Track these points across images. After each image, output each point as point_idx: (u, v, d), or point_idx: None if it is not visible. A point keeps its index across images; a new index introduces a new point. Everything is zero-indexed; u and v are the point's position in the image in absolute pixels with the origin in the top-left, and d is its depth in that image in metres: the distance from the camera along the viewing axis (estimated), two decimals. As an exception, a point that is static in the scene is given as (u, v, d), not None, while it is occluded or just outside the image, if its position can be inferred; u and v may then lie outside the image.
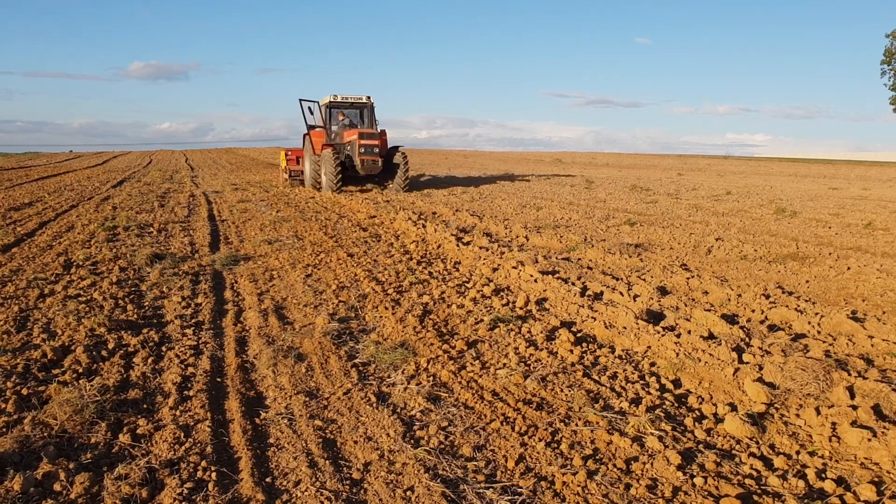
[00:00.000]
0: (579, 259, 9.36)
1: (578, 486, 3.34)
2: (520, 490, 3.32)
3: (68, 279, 7.47)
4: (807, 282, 8.00)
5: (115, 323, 5.81)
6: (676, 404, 4.35)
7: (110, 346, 5.28)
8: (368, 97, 21.03)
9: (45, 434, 3.76)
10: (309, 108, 21.13)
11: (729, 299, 6.87)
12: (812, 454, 3.69)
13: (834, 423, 3.93)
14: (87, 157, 55.50)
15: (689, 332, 5.56)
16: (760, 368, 4.71)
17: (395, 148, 20.84)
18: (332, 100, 20.62)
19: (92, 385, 4.42)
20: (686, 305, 6.51)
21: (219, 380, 4.74)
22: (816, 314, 6.18)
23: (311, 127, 21.10)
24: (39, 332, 5.52)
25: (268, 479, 3.40)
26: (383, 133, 20.51)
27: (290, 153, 23.00)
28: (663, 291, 7.24)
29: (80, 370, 4.74)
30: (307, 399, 4.40)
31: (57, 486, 3.25)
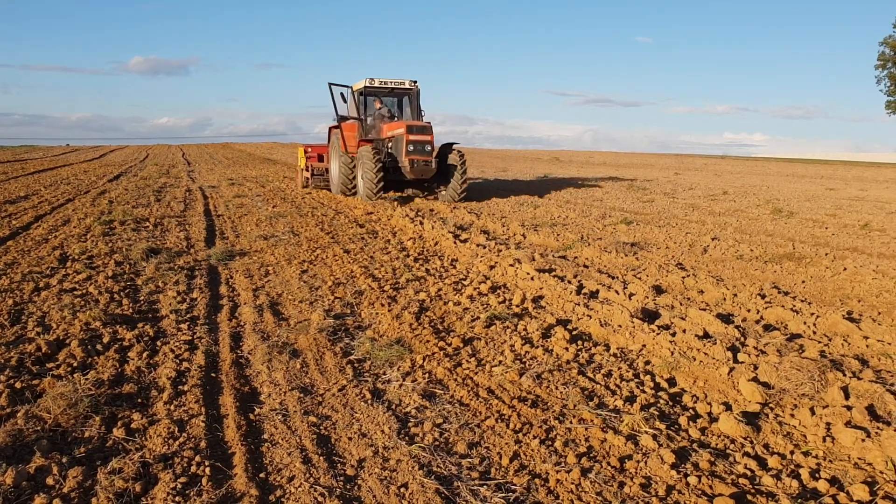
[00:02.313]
0: (576, 257, 9.36)
1: (572, 483, 3.34)
2: (514, 487, 3.32)
3: (64, 273, 7.46)
4: (803, 282, 8.01)
5: (110, 317, 5.80)
6: (671, 403, 4.35)
7: (105, 340, 5.26)
8: (414, 82, 16.86)
9: (39, 428, 3.75)
10: (342, 94, 16.89)
11: (724, 299, 6.87)
12: (806, 454, 3.69)
13: (828, 424, 3.93)
14: (83, 150, 55.38)
15: (684, 330, 5.57)
16: (755, 368, 4.72)
17: (449, 146, 16.79)
18: (367, 84, 16.52)
19: (86, 379, 4.40)
20: (681, 304, 6.52)
21: (213, 375, 4.74)
22: (812, 314, 6.19)
23: (341, 118, 16.97)
24: (34, 326, 5.50)
25: (262, 475, 3.40)
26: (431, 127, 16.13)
27: (309, 149, 19.29)
28: (659, 290, 7.25)
29: (75, 364, 4.73)
30: (302, 395, 4.40)
31: (50, 480, 3.24)
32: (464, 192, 16.21)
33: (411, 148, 15.44)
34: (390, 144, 16.34)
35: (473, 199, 17.55)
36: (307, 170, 19.03)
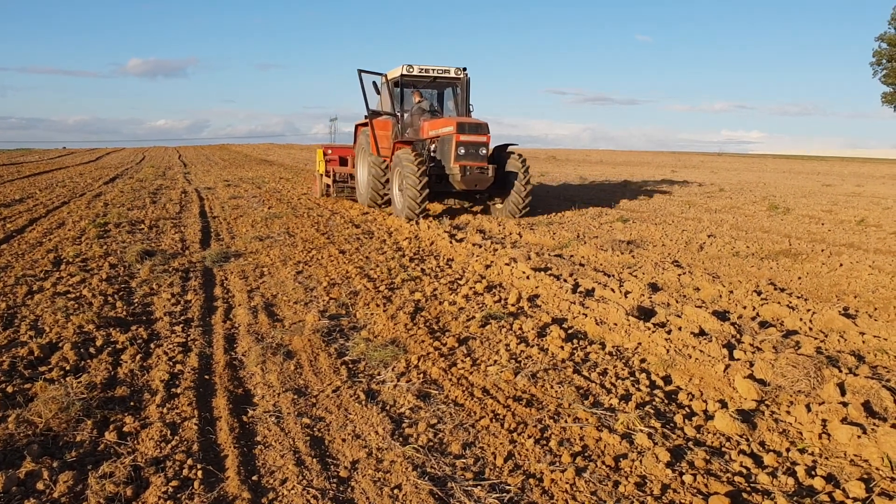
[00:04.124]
0: (571, 256, 9.34)
1: (567, 483, 3.32)
2: (508, 488, 3.30)
3: (57, 276, 7.42)
4: (799, 278, 8.00)
5: (103, 320, 5.76)
6: (666, 401, 4.33)
7: (98, 343, 5.23)
8: (463, 70, 13.83)
9: (30, 432, 3.72)
10: (374, 83, 14.12)
11: (720, 296, 6.86)
12: (802, 451, 3.68)
13: (824, 420, 3.91)
14: (80, 153, 55.27)
15: (679, 328, 5.55)
16: (751, 365, 4.70)
17: (505, 147, 13.75)
18: (405, 73, 13.44)
19: (79, 382, 4.37)
20: (677, 302, 6.50)
21: (207, 377, 4.71)
22: (808, 311, 6.17)
23: (373, 113, 14.05)
24: (27, 329, 5.47)
25: (254, 478, 3.37)
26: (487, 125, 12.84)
27: (329, 151, 16.66)
28: (654, 288, 7.23)
29: (68, 367, 4.69)
30: (295, 397, 4.37)
31: (40, 485, 3.21)
32: (527, 205, 13.22)
33: (462, 151, 12.40)
34: (433, 146, 13.49)
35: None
36: (328, 175, 16.39)
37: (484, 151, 12.61)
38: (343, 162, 16.44)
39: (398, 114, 14.11)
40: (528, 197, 13.11)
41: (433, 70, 13.60)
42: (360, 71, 13.76)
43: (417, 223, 11.83)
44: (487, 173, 12.45)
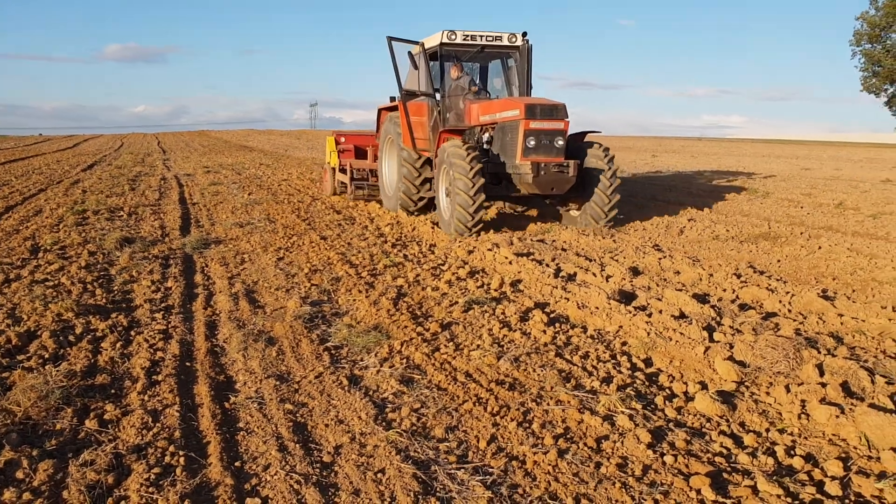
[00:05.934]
0: (554, 241, 9.36)
1: (549, 465, 3.34)
2: (491, 470, 3.31)
3: (35, 264, 7.33)
4: (778, 261, 8.07)
5: (83, 307, 5.70)
6: (647, 383, 4.37)
7: (78, 330, 5.18)
8: (522, 36, 10.62)
9: (8, 421, 3.68)
10: (410, 54, 11.08)
11: (700, 279, 6.91)
12: (781, 431, 3.72)
13: (803, 401, 3.96)
14: (57, 140, 54.48)
15: (660, 311, 5.59)
16: (731, 347, 4.74)
17: (583, 136, 10.52)
18: (446, 41, 10.36)
19: (58, 370, 4.33)
20: (658, 285, 6.54)
21: (188, 364, 4.68)
22: (787, 293, 6.23)
23: (407, 94, 10.86)
24: (4, 318, 5.39)
25: (237, 464, 3.36)
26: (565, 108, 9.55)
27: (342, 140, 13.64)
28: (635, 272, 7.27)
29: (46, 356, 4.65)
30: (278, 383, 4.36)
31: (19, 474, 3.18)
32: (613, 207, 10.00)
33: (532, 143, 9.28)
34: (487, 136, 10.48)
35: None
36: (343, 170, 13.43)
37: (561, 142, 9.47)
38: (360, 154, 13.49)
39: (441, 94, 10.97)
40: (614, 195, 9.92)
41: (481, 37, 10.47)
42: (390, 39, 10.74)
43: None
44: (568, 171, 9.33)
